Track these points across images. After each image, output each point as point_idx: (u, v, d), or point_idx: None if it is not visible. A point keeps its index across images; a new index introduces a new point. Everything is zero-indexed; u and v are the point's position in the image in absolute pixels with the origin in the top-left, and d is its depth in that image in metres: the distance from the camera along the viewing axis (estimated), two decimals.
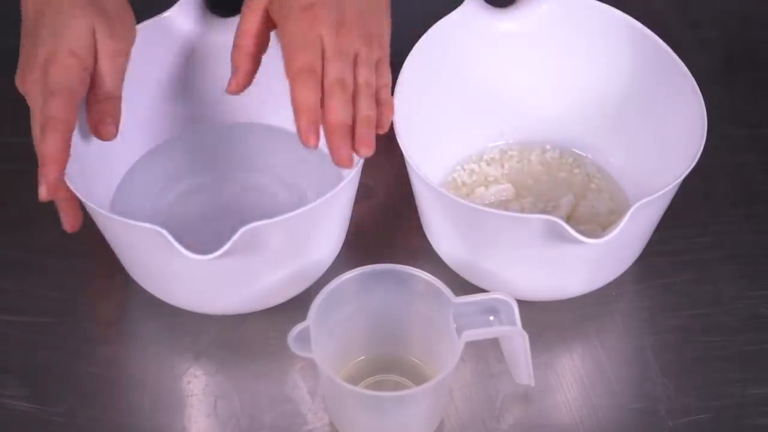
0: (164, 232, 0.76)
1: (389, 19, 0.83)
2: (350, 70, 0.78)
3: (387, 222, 0.95)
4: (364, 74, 0.79)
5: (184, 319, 0.89)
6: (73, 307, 0.89)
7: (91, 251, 0.91)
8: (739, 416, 0.84)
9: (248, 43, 0.83)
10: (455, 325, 0.77)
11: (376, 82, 0.79)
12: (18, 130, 0.98)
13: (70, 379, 0.85)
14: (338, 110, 0.77)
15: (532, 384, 0.83)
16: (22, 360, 0.87)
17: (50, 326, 0.88)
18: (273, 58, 0.94)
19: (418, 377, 0.82)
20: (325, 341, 0.78)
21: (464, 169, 0.96)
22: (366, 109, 0.78)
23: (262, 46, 0.83)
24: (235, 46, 0.83)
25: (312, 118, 0.76)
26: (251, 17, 0.82)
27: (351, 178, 0.82)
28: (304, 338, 0.76)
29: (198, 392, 0.85)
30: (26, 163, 0.96)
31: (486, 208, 0.81)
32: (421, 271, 0.79)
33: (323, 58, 0.78)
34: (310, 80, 0.77)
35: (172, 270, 0.83)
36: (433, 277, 0.79)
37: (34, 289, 0.90)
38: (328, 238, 0.87)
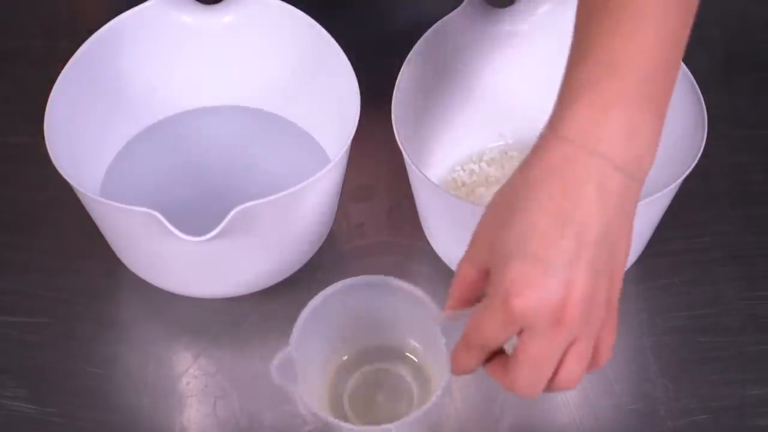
0: (157, 214, 0.76)
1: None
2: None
3: (387, 222, 0.95)
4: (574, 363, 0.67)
5: (184, 319, 0.89)
6: (73, 307, 0.89)
7: (90, 251, 0.91)
8: (739, 417, 0.84)
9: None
10: (445, 341, 0.75)
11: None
12: (17, 130, 0.99)
13: (69, 380, 0.85)
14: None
15: None
16: (21, 360, 0.87)
17: (49, 326, 0.88)
18: (264, 45, 0.94)
19: (412, 365, 0.82)
20: (314, 344, 0.77)
21: (464, 170, 0.96)
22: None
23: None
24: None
25: (463, 369, 0.70)
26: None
27: (339, 159, 0.83)
28: (288, 367, 0.74)
29: (197, 393, 0.85)
30: (26, 163, 0.96)
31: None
32: (405, 283, 0.77)
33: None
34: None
35: (164, 253, 0.83)
36: (419, 290, 0.77)
37: (34, 289, 0.90)
38: (317, 220, 0.87)
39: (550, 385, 0.67)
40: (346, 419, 0.81)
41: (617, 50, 0.66)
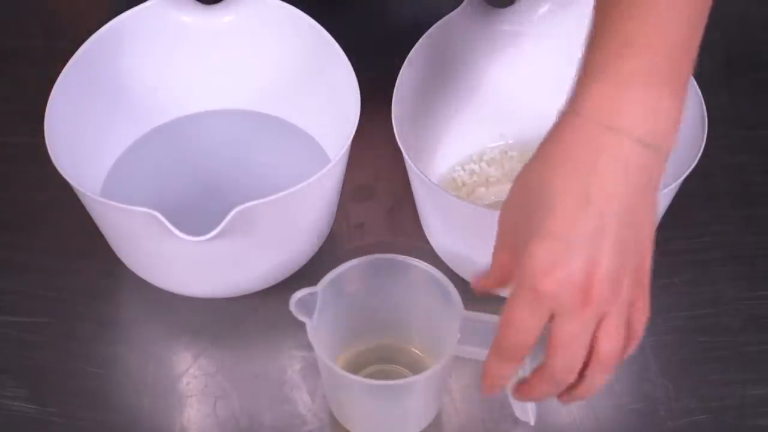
0: (157, 214, 0.76)
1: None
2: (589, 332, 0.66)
3: (387, 222, 0.95)
4: (609, 339, 0.66)
5: (184, 319, 0.89)
6: (73, 307, 0.89)
7: (90, 251, 0.91)
8: (739, 416, 0.83)
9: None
10: (459, 336, 0.76)
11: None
12: (17, 130, 0.99)
13: (69, 380, 0.85)
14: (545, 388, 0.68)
15: (532, 423, 0.82)
16: (21, 360, 0.86)
17: (49, 326, 0.88)
18: (264, 45, 0.94)
19: (419, 368, 0.82)
20: (326, 328, 0.78)
21: (464, 169, 0.96)
22: (587, 388, 0.68)
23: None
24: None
25: (495, 384, 0.70)
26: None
27: (339, 159, 0.83)
28: (307, 305, 0.76)
29: (197, 393, 0.85)
30: (26, 163, 0.96)
31: (486, 208, 0.81)
32: (435, 269, 0.79)
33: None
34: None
35: (164, 253, 0.83)
36: (447, 279, 0.78)
37: (34, 289, 0.90)
38: (317, 220, 0.88)
39: (594, 366, 0.67)
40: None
41: (634, 30, 0.66)
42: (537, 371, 0.68)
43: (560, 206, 0.64)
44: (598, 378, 0.67)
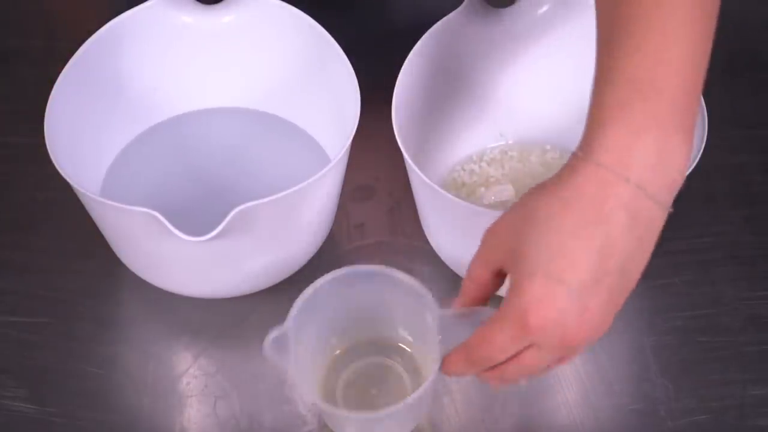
0: (157, 214, 0.76)
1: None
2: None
3: (387, 222, 0.95)
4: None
5: (184, 319, 0.89)
6: (73, 307, 0.89)
7: (90, 251, 0.91)
8: (739, 417, 0.83)
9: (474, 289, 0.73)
10: (440, 337, 0.75)
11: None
12: (17, 130, 0.99)
13: (69, 380, 0.85)
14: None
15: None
16: (21, 360, 0.86)
17: (49, 326, 0.88)
18: (264, 45, 0.94)
19: (405, 357, 0.82)
20: (309, 333, 0.77)
21: (464, 170, 0.96)
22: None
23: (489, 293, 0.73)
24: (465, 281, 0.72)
25: (453, 374, 0.73)
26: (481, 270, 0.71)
27: (339, 159, 0.83)
28: (282, 344, 0.74)
29: (197, 393, 0.85)
30: (26, 163, 0.96)
31: (486, 209, 0.81)
32: (403, 273, 0.77)
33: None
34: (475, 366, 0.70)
35: (163, 253, 0.83)
36: (416, 282, 0.77)
37: (34, 289, 0.90)
38: (317, 220, 0.88)
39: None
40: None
41: (646, 71, 0.65)
42: (491, 369, 0.69)
43: (568, 250, 0.64)
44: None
